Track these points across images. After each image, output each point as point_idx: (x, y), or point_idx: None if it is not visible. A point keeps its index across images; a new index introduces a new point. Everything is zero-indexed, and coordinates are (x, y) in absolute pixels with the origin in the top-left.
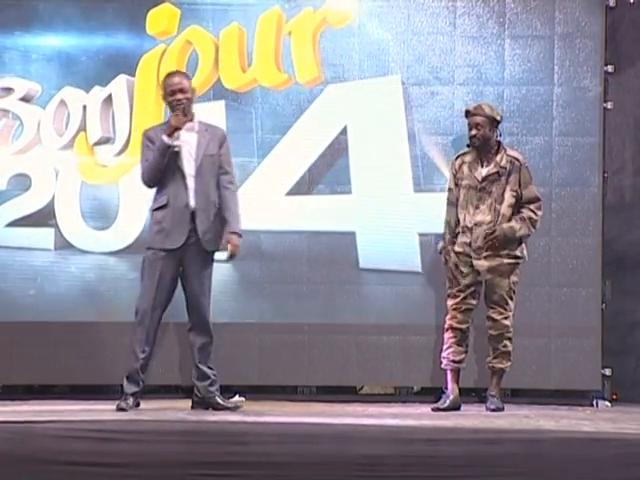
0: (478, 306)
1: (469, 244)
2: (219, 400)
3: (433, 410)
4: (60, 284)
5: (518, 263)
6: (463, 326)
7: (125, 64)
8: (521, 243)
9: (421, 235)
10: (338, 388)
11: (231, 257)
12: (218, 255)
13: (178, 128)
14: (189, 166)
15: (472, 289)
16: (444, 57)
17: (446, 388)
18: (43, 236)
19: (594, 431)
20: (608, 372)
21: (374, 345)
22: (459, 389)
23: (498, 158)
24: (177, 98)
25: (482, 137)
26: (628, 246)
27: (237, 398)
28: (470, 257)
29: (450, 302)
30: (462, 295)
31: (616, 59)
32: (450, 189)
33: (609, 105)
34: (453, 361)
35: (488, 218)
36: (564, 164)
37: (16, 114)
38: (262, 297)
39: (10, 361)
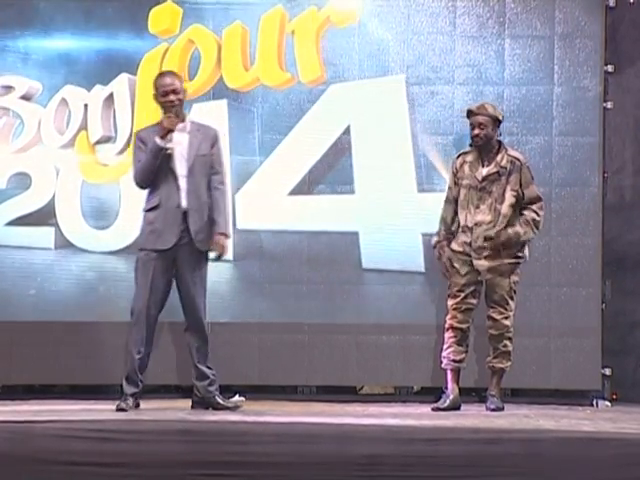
0: (478, 306)
1: (469, 244)
2: (219, 400)
3: (433, 410)
4: (60, 284)
5: (519, 263)
6: (463, 326)
7: (127, 63)
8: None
9: (424, 235)
10: (338, 388)
11: (218, 258)
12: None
13: (171, 130)
14: (181, 167)
15: (472, 288)
16: (444, 57)
17: (446, 388)
18: (43, 235)
19: (594, 431)
20: (608, 372)
21: (374, 345)
22: (459, 389)
23: (499, 158)
24: (170, 99)
25: (485, 136)
26: (628, 246)
27: (237, 398)
28: (470, 257)
29: (450, 302)
30: (462, 295)
31: (616, 59)
32: (449, 187)
33: (609, 105)
34: (453, 361)
35: (488, 218)
36: (564, 164)
37: (16, 112)
38: (262, 296)
39: (10, 361)
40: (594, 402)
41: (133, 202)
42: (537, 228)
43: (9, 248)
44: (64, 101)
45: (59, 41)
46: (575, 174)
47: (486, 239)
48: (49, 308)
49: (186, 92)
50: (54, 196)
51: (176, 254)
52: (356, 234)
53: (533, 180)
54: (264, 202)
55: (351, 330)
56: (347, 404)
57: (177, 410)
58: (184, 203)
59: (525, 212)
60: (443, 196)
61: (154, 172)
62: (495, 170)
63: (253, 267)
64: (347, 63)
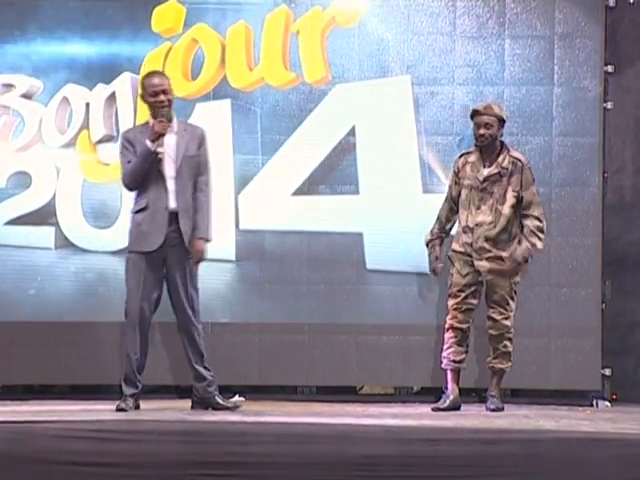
0: (479, 306)
1: (470, 244)
2: (219, 400)
3: (433, 410)
4: (60, 283)
5: (519, 265)
6: (464, 326)
7: (129, 62)
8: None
9: None
10: (338, 388)
11: (196, 262)
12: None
13: (162, 134)
14: (169, 168)
15: (473, 289)
16: (444, 57)
17: (446, 388)
18: (43, 235)
19: (594, 431)
20: (608, 372)
21: (374, 345)
22: (459, 389)
23: (500, 159)
24: (160, 99)
25: (490, 136)
26: (628, 246)
27: (237, 398)
28: (471, 257)
29: (451, 302)
30: (463, 295)
31: (616, 59)
32: (449, 186)
33: (609, 105)
34: (453, 361)
35: (489, 219)
36: (564, 164)
37: (17, 111)
38: (263, 297)
39: (10, 361)
40: (594, 402)
41: None
42: (543, 233)
43: (9, 247)
44: (65, 100)
45: (61, 39)
46: (575, 174)
47: (487, 239)
48: (49, 308)
49: (173, 92)
50: (54, 195)
51: (165, 255)
52: (360, 235)
53: (534, 182)
54: (267, 202)
55: (351, 330)
56: (347, 404)
57: (177, 410)
58: (172, 204)
59: (527, 222)
60: None
61: (144, 175)
62: (496, 171)
63: (256, 268)
64: (347, 63)
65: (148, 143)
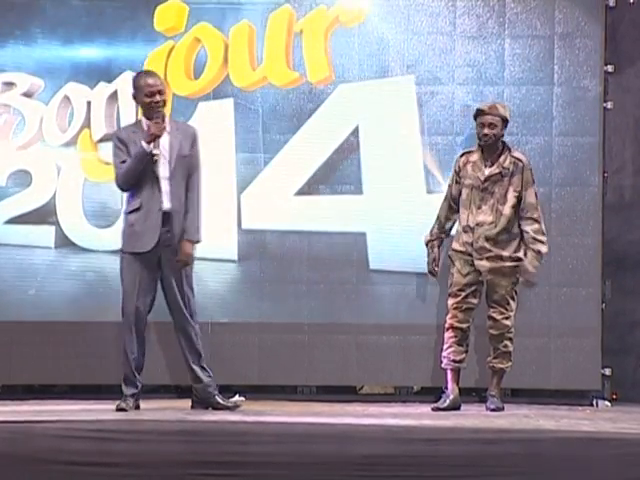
0: (479, 305)
1: (471, 244)
2: (219, 399)
3: (433, 410)
4: (60, 283)
5: (520, 265)
6: (464, 325)
7: (131, 61)
8: (522, 246)
9: None
10: (338, 388)
11: (182, 265)
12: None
13: (158, 136)
14: (164, 169)
15: (473, 288)
16: (444, 57)
17: (446, 388)
18: (43, 234)
19: (594, 431)
20: (608, 372)
21: (374, 345)
22: (459, 389)
23: (502, 159)
24: (156, 100)
25: (494, 136)
26: (628, 246)
27: (237, 398)
28: (472, 256)
29: (451, 301)
30: (463, 294)
31: (616, 59)
32: (449, 185)
33: (609, 105)
34: (453, 361)
35: (490, 219)
36: (564, 164)
37: (18, 109)
38: (264, 297)
39: (10, 361)
40: (594, 402)
41: None
42: (543, 235)
43: (8, 247)
44: (67, 98)
45: (62, 38)
46: (575, 174)
47: (487, 239)
48: (49, 308)
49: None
50: (55, 194)
51: (159, 255)
52: (363, 235)
53: (534, 184)
54: (270, 202)
55: (351, 330)
56: (347, 404)
57: (177, 410)
58: (166, 205)
59: (527, 227)
60: None
61: (138, 176)
62: (498, 171)
63: (258, 268)
64: (349, 63)
65: (144, 144)
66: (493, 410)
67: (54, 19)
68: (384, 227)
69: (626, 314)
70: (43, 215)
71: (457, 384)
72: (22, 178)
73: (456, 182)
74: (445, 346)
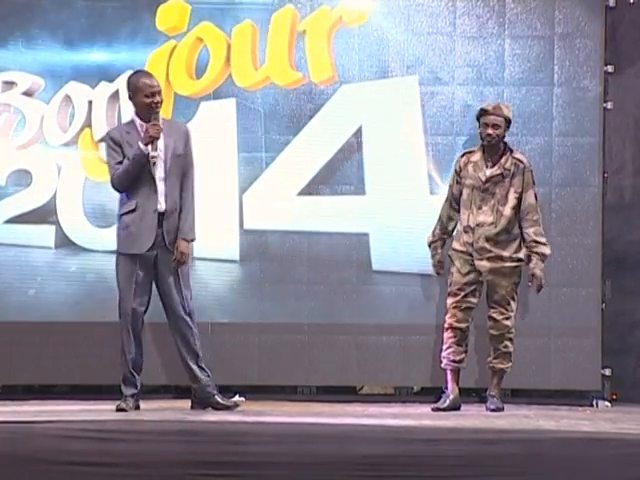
0: (479, 305)
1: (471, 244)
2: (218, 399)
3: (433, 410)
4: (60, 283)
5: (520, 266)
6: (463, 325)
7: (133, 60)
8: (522, 247)
9: None
10: (338, 388)
11: (178, 263)
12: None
13: (157, 138)
14: (160, 170)
15: (473, 287)
16: (444, 57)
17: (446, 388)
18: (43, 234)
19: (594, 431)
20: (608, 372)
21: (374, 345)
22: (459, 389)
23: (503, 160)
24: (156, 100)
25: (497, 137)
26: (628, 246)
27: (237, 398)
28: (472, 256)
29: (450, 300)
30: (462, 293)
31: (616, 59)
32: (450, 185)
33: (609, 105)
34: (453, 361)
35: (490, 219)
36: (564, 164)
37: (18, 108)
38: (264, 297)
39: (10, 361)
40: (594, 402)
41: None
42: (543, 236)
43: (8, 246)
44: (67, 98)
45: (63, 37)
46: (575, 174)
47: (487, 239)
48: (49, 308)
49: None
50: (55, 194)
51: (156, 256)
52: (366, 235)
53: (535, 185)
54: (272, 203)
55: (351, 330)
56: (347, 404)
57: (177, 410)
58: (162, 206)
59: (528, 230)
60: None
61: (135, 178)
62: (499, 172)
63: (260, 268)
64: (351, 64)
65: (142, 147)
66: (493, 410)
67: (55, 18)
68: (387, 228)
69: (626, 314)
70: (43, 215)
71: (457, 384)
72: (22, 178)
73: (457, 182)
74: (444, 346)
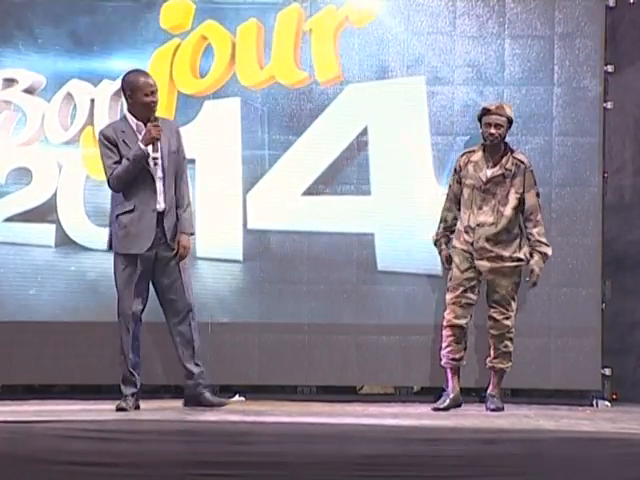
0: (478, 303)
1: (471, 243)
2: (207, 396)
3: (433, 410)
4: (60, 282)
5: (520, 265)
6: (462, 322)
7: (137, 58)
8: (523, 247)
9: None
10: (338, 388)
11: (180, 258)
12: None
13: (158, 139)
14: (158, 169)
15: (472, 284)
16: (444, 57)
17: (446, 387)
18: (43, 232)
19: (594, 431)
20: (608, 372)
21: (374, 345)
22: (460, 387)
23: (504, 160)
24: (154, 99)
25: (500, 136)
26: (628, 246)
27: (237, 398)
28: (472, 255)
29: (449, 296)
30: (462, 289)
31: (616, 59)
32: (450, 185)
33: (609, 105)
34: (453, 359)
35: (490, 219)
36: (564, 164)
37: (19, 106)
38: (270, 297)
39: (10, 361)
40: (594, 402)
41: None
42: (544, 237)
43: (8, 245)
44: (69, 95)
45: (65, 35)
46: (575, 174)
47: (487, 240)
48: (49, 308)
49: None
50: (55, 192)
51: (154, 255)
52: (372, 236)
53: (536, 185)
54: (276, 202)
55: (351, 330)
56: (347, 404)
57: (177, 410)
58: (160, 205)
59: (532, 230)
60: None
61: (133, 178)
62: (500, 172)
63: (263, 268)
64: (356, 63)
65: (142, 147)
66: (493, 410)
67: (58, 16)
68: (392, 228)
69: (626, 314)
70: (43, 213)
71: (458, 380)
72: (22, 176)
73: (457, 182)
74: (444, 344)
